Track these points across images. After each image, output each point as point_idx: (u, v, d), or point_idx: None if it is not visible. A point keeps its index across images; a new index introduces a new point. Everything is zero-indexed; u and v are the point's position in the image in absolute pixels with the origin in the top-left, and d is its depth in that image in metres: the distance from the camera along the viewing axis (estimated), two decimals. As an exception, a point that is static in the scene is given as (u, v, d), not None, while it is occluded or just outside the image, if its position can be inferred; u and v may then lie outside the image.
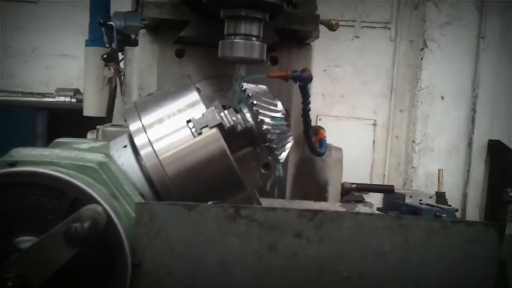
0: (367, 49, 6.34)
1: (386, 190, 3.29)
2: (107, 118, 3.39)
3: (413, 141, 6.27)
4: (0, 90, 5.42)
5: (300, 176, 2.09)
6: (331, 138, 2.19)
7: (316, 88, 1.65)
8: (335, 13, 6.00)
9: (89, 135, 1.82)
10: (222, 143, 1.22)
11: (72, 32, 6.09)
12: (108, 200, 1.08)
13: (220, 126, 1.21)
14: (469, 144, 6.24)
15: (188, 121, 1.21)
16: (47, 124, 5.06)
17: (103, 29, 4.74)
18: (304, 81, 1.71)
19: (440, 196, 4.04)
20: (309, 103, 1.82)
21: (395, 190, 3.18)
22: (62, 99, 5.33)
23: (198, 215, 1.09)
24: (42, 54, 6.26)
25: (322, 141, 2.01)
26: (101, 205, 1.04)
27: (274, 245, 1.12)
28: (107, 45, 4.81)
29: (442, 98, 6.20)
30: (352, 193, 2.35)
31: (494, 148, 6.20)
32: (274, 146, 1.30)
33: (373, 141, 6.44)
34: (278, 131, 1.28)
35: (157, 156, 1.21)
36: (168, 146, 1.22)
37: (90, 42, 4.89)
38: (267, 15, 1.53)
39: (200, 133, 1.20)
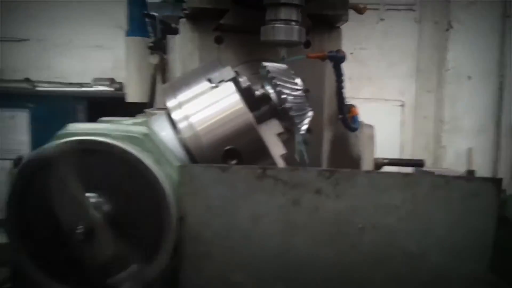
0: (392, 31, 6.39)
1: (417, 164, 3.42)
2: (149, 104, 3.61)
3: (441, 121, 6.34)
4: (41, 81, 5.69)
5: (335, 152, 2.18)
6: (360, 120, 2.23)
7: (344, 71, 1.77)
8: (360, -4, 6.08)
9: (138, 118, 1.98)
10: (244, 108, 1.39)
11: (106, 24, 6.32)
12: (153, 166, 1.26)
13: (236, 82, 1.39)
14: (498, 123, 6.26)
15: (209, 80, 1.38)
16: (87, 112, 5.30)
17: (146, 20, 4.98)
18: (339, 60, 1.84)
19: (470, 174, 4.13)
20: (343, 81, 1.94)
21: (425, 168, 3.29)
22: (99, 88, 5.62)
23: (230, 175, 1.26)
24: (78, 46, 6.50)
25: (354, 118, 2.11)
26: (151, 170, 1.22)
27: (297, 201, 1.29)
28: (152, 35, 5.05)
29: (469, 78, 6.25)
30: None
31: (523, 127, 6.20)
32: (295, 118, 1.46)
33: (401, 122, 6.54)
34: (297, 104, 1.44)
35: (193, 128, 1.39)
36: (202, 120, 1.39)
37: (130, 33, 5.12)
38: (304, 1, 1.64)
39: (216, 86, 1.38)
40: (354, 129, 2.09)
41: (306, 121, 1.51)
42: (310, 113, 1.52)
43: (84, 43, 6.48)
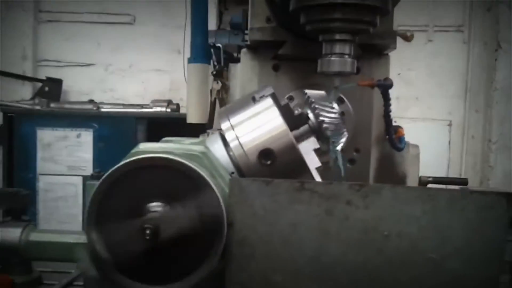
0: (440, 52, 6.49)
1: (460, 182, 3.53)
2: (208, 124, 3.90)
3: (490, 141, 6.37)
4: (104, 103, 6.09)
5: (381, 171, 2.28)
6: (407, 139, 2.31)
7: (391, 92, 1.87)
8: (408, 18, 6.22)
9: (201, 137, 2.18)
10: (283, 124, 1.60)
11: (164, 49, 6.70)
12: (210, 179, 1.50)
13: (274, 98, 1.63)
14: (546, 142, 6.26)
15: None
16: (146, 131, 5.60)
17: (212, 50, 5.34)
18: (386, 87, 2.02)
19: (516, 194, 4.17)
20: (390, 105, 2.09)
21: (471, 188, 3.39)
22: (158, 109, 5.96)
23: (273, 188, 1.46)
24: (138, 69, 6.89)
25: (401, 138, 2.21)
26: (208, 182, 1.45)
27: (330, 211, 1.47)
28: (215, 63, 5.41)
29: (518, 97, 6.28)
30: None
31: None
32: (331, 138, 1.67)
33: (449, 142, 6.60)
34: (334, 125, 1.65)
35: (242, 148, 1.61)
36: (250, 140, 1.62)
37: (192, 60, 5.49)
38: (357, 37, 1.78)
39: (257, 101, 1.62)
40: (400, 149, 2.22)
41: (342, 141, 1.71)
42: (345, 134, 1.72)
43: (144, 66, 6.87)
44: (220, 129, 1.68)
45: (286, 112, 1.66)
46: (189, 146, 1.60)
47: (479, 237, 1.45)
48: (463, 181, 3.43)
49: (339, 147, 1.71)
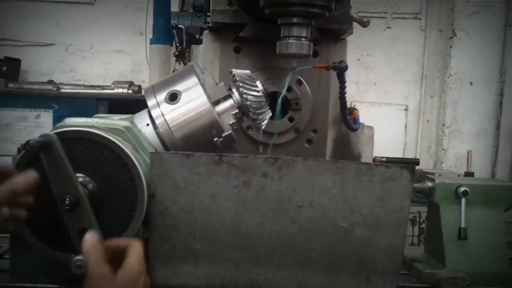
0: (398, 38, 6.64)
1: (412, 163, 3.64)
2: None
3: (443, 125, 6.55)
4: (64, 83, 6.06)
5: (337, 150, 2.36)
6: (366, 123, 2.41)
7: (350, 77, 1.92)
8: (368, 6, 6.35)
9: None
10: (213, 112, 1.68)
11: (126, 30, 6.70)
12: (132, 152, 1.55)
13: (196, 69, 1.71)
14: (497, 127, 6.46)
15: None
16: (108, 112, 5.58)
17: (174, 31, 5.34)
18: (341, 70, 2.07)
19: (469, 176, 4.32)
20: (345, 87, 2.14)
21: (425, 170, 3.48)
22: (120, 90, 5.94)
23: (193, 160, 1.53)
24: (99, 50, 6.88)
25: (356, 119, 2.31)
26: (128, 155, 1.52)
27: (248, 182, 1.54)
28: (177, 44, 5.43)
29: (471, 83, 6.44)
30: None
31: (522, 130, 6.39)
32: (253, 115, 1.75)
33: (405, 126, 6.76)
34: (256, 103, 1.73)
35: (167, 124, 1.68)
36: (175, 117, 1.69)
37: (154, 41, 5.50)
38: (313, 21, 1.86)
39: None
40: (354, 130, 2.32)
41: (266, 118, 1.79)
42: (268, 112, 1.79)
43: (105, 47, 6.85)
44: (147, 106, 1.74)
45: (208, 82, 1.74)
46: (114, 121, 1.66)
47: (384, 207, 1.55)
48: (414, 161, 3.55)
49: (264, 123, 1.79)
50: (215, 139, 1.68)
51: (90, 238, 1.23)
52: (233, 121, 1.72)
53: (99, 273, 1.16)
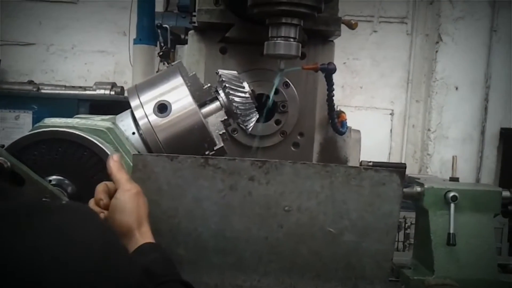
0: (384, 43, 6.64)
1: (399, 167, 3.62)
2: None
3: (429, 130, 6.56)
4: (44, 84, 5.97)
5: (324, 154, 2.32)
6: (351, 126, 2.37)
7: (336, 80, 1.89)
8: (354, 9, 6.34)
9: None
10: (199, 113, 1.63)
11: (109, 30, 6.62)
12: (113, 153, 1.50)
13: (182, 69, 1.66)
14: (482, 132, 6.49)
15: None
16: (89, 114, 5.50)
17: (159, 31, 5.27)
18: (330, 72, 2.04)
19: (454, 181, 4.32)
20: (333, 90, 2.11)
21: (410, 175, 3.45)
22: (102, 91, 5.86)
23: (178, 163, 1.48)
24: (81, 50, 6.77)
25: (343, 123, 2.27)
26: (109, 156, 1.46)
27: (234, 186, 1.50)
28: (162, 44, 5.36)
29: (457, 88, 6.46)
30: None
31: (506, 136, 6.44)
32: (241, 118, 1.70)
33: (391, 130, 6.76)
34: (243, 105, 1.68)
35: (151, 125, 1.62)
36: (158, 118, 1.63)
37: (138, 41, 5.43)
38: (302, 21, 1.82)
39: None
40: (342, 133, 2.28)
41: (252, 120, 1.74)
42: (255, 114, 1.74)
43: (87, 47, 6.75)
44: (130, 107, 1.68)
45: (193, 83, 1.68)
46: (96, 122, 1.60)
47: (373, 212, 1.51)
48: (401, 166, 3.52)
49: (250, 124, 1.74)
50: (207, 152, 1.63)
51: (115, 161, 1.29)
52: (223, 131, 1.67)
53: (136, 189, 1.26)
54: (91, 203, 1.25)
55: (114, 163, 1.28)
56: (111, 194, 1.25)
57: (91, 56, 6.73)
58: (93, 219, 0.91)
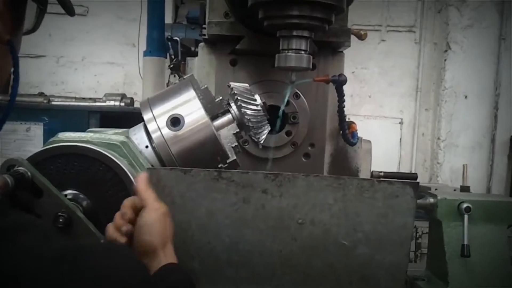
0: (393, 51, 6.65)
1: (409, 177, 3.60)
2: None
3: (438, 138, 6.53)
4: (55, 96, 6.00)
5: (335, 165, 2.33)
6: (360, 136, 2.35)
7: (345, 90, 1.89)
8: (362, 18, 6.36)
9: None
10: (211, 126, 1.64)
11: (118, 42, 6.66)
12: (128, 168, 1.51)
13: (194, 82, 1.67)
14: (492, 140, 6.45)
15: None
16: (99, 126, 5.51)
17: (169, 43, 5.29)
18: (341, 83, 2.04)
19: (465, 190, 4.27)
20: (344, 101, 2.13)
21: (421, 184, 3.42)
22: (111, 103, 5.87)
23: (191, 177, 1.49)
24: (91, 62, 6.82)
25: (354, 133, 2.26)
26: (124, 171, 1.47)
27: (247, 199, 1.51)
28: (172, 57, 5.38)
29: (466, 97, 6.44)
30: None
31: (517, 144, 6.40)
32: (253, 130, 1.71)
33: (400, 139, 6.75)
34: (255, 117, 1.68)
35: (164, 139, 1.63)
36: (170, 131, 1.64)
37: (148, 53, 5.45)
38: (313, 34, 1.82)
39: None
40: (353, 144, 2.27)
41: (264, 132, 1.74)
42: (267, 127, 1.75)
43: (97, 59, 6.79)
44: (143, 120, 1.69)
45: (205, 96, 1.69)
46: (109, 136, 1.61)
47: (387, 224, 1.51)
48: (412, 176, 3.51)
49: (262, 137, 1.75)
50: (220, 165, 1.64)
51: (143, 179, 1.30)
52: (236, 143, 1.68)
53: (164, 208, 1.27)
54: (111, 228, 1.25)
55: (142, 182, 1.29)
56: (137, 210, 1.24)
57: (100, 68, 6.77)
58: (133, 260, 1.00)
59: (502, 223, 1.90)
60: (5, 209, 0.91)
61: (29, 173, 1.31)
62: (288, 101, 2.08)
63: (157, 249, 1.21)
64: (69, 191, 1.46)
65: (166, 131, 1.64)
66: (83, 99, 5.99)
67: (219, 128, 1.69)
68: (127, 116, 5.35)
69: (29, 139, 5.46)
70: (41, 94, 6.07)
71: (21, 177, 1.31)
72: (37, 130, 5.46)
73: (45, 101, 5.71)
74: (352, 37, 2.25)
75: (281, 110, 1.97)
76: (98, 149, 1.49)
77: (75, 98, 6.02)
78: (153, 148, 1.66)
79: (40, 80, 6.67)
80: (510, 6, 6.31)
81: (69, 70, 6.79)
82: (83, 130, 1.77)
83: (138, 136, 1.69)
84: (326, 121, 2.25)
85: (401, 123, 6.74)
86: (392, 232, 1.52)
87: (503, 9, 6.34)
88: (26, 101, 5.70)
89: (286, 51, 1.83)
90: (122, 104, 5.89)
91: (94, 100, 5.92)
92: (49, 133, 5.45)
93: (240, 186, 1.51)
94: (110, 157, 1.48)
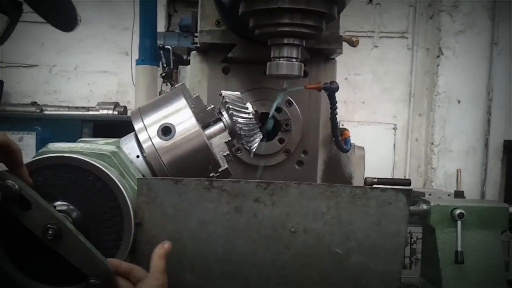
0: (385, 57, 6.67)
1: (403, 183, 3.60)
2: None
3: (432, 143, 6.55)
4: (48, 105, 5.98)
5: (328, 172, 2.31)
6: (354, 142, 2.37)
7: (338, 96, 1.88)
8: (355, 25, 6.38)
9: None
10: (203, 135, 1.63)
11: (111, 51, 6.64)
12: (118, 178, 1.49)
13: (185, 91, 1.66)
14: (486, 145, 6.49)
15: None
16: (92, 135, 5.48)
17: (161, 52, 5.29)
18: (333, 90, 2.03)
19: (459, 195, 4.26)
20: (336, 108, 2.11)
21: (415, 189, 3.42)
22: (105, 112, 5.86)
23: (182, 186, 1.47)
24: (84, 71, 6.80)
25: (347, 140, 2.25)
26: (114, 181, 1.45)
27: (239, 208, 1.48)
28: (164, 65, 5.39)
29: (459, 102, 6.47)
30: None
31: (510, 148, 6.43)
32: (245, 138, 1.70)
33: (394, 144, 6.76)
34: (247, 126, 1.68)
35: (155, 148, 1.62)
36: (161, 141, 1.63)
37: (140, 61, 5.45)
38: (304, 41, 1.81)
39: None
40: (346, 150, 2.26)
41: (256, 141, 1.73)
42: (259, 135, 1.74)
43: (90, 68, 6.78)
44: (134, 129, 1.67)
45: (197, 105, 1.68)
46: (100, 146, 1.59)
47: (380, 232, 1.50)
48: (406, 182, 3.51)
49: (254, 146, 1.74)
50: (211, 174, 1.63)
51: (164, 249, 1.35)
52: (228, 152, 1.67)
53: (165, 280, 1.32)
54: None
55: (161, 250, 1.34)
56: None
57: (93, 77, 6.75)
58: None
59: (496, 229, 1.89)
60: None
61: (16, 186, 1.30)
62: (280, 109, 2.08)
63: None
64: (58, 203, 1.44)
65: (157, 141, 1.63)
66: (76, 108, 5.98)
67: (211, 136, 1.68)
68: (120, 125, 5.33)
69: (22, 149, 5.34)
70: (33, 104, 6.05)
71: (8, 190, 1.29)
72: (30, 139, 5.44)
73: (37, 111, 5.70)
74: (345, 43, 2.26)
75: (270, 114, 1.97)
76: (86, 159, 1.47)
77: (68, 107, 6.01)
78: (144, 157, 1.64)
79: (33, 89, 6.65)
80: (502, 12, 6.36)
81: (62, 79, 6.77)
82: (76, 139, 1.75)
83: (129, 146, 1.67)
84: (319, 128, 2.24)
85: (394, 128, 6.76)
86: (385, 240, 1.50)
87: (495, 14, 6.39)
88: (19, 111, 5.69)
89: (278, 59, 1.83)
90: (115, 112, 5.88)
91: (87, 109, 5.91)
92: (42, 143, 5.41)
93: (232, 195, 1.49)
94: (99, 167, 1.46)
